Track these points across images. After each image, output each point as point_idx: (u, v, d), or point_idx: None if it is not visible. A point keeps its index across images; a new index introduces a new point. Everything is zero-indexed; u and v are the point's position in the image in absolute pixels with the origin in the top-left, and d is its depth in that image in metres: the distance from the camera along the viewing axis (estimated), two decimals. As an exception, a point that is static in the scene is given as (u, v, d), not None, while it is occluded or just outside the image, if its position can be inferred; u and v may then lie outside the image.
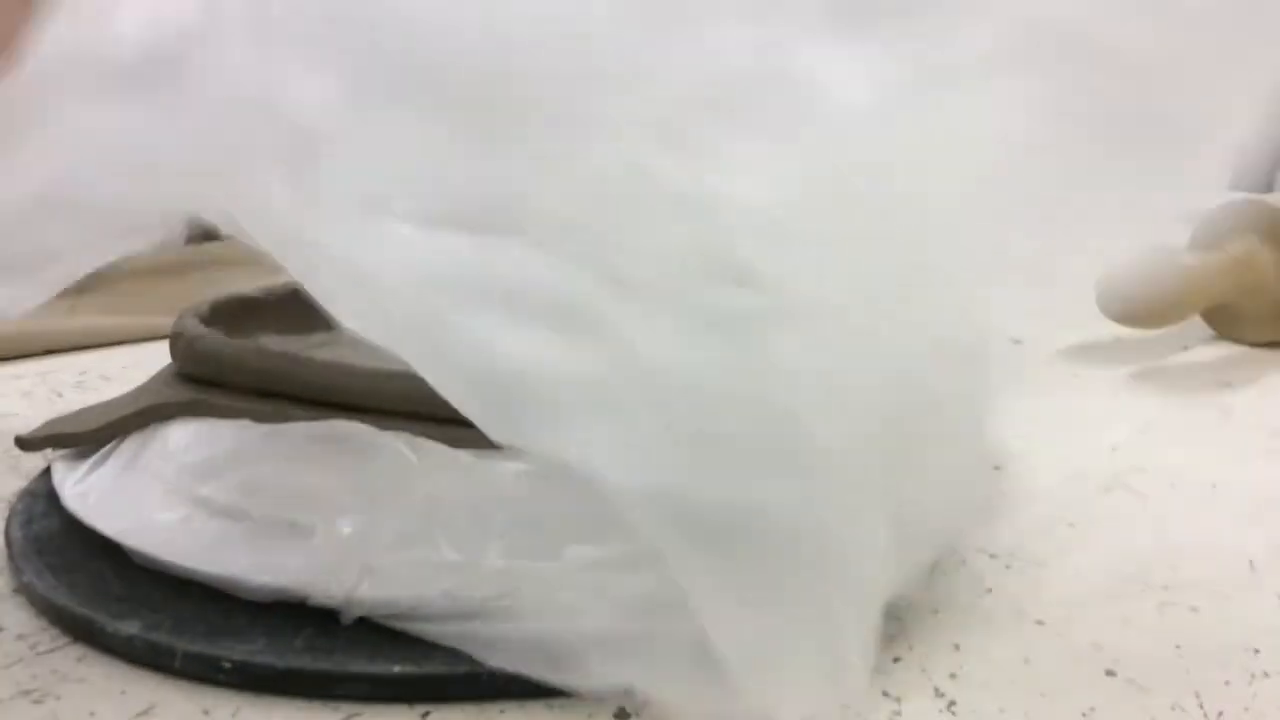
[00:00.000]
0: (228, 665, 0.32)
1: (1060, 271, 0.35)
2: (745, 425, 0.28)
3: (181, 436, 0.37)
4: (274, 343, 0.44)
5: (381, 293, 0.28)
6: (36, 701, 0.32)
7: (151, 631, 0.33)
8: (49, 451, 0.41)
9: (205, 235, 0.76)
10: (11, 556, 0.38)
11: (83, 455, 0.39)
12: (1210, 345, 0.68)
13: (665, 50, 0.29)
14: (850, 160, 0.29)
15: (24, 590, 0.36)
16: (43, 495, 0.40)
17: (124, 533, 0.36)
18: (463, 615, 0.32)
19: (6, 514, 0.40)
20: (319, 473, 0.34)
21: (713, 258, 0.28)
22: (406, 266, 0.28)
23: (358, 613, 0.33)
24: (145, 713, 0.31)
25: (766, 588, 0.28)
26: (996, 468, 0.49)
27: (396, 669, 0.32)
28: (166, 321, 0.41)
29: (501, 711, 0.32)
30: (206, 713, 0.31)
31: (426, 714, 0.31)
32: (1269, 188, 1.89)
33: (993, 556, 0.41)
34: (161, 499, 0.36)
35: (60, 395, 0.57)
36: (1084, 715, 0.32)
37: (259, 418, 0.36)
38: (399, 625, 0.33)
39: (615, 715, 0.31)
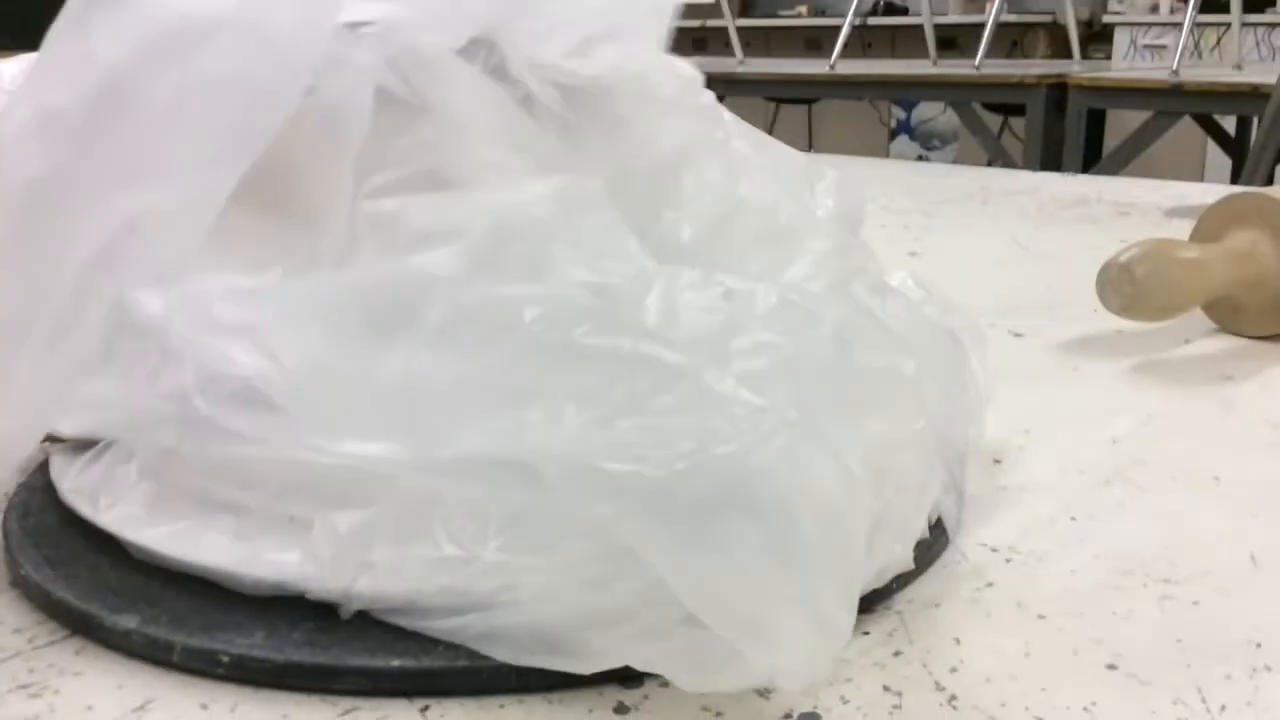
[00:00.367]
0: (226, 659, 0.32)
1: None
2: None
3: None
4: None
5: None
6: (34, 695, 0.31)
7: (149, 625, 0.33)
8: (47, 445, 0.41)
9: None
10: (9, 550, 0.37)
11: (80, 449, 0.39)
12: (1211, 338, 0.68)
13: None
14: None
15: (21, 584, 0.36)
16: (40, 489, 0.40)
17: (122, 526, 0.36)
18: (461, 609, 0.32)
19: (4, 507, 0.40)
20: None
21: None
22: None
23: (356, 607, 0.33)
24: (143, 707, 0.31)
25: (744, 559, 0.29)
26: (997, 461, 0.49)
27: (395, 663, 0.32)
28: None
29: (501, 705, 0.31)
30: (204, 707, 0.31)
31: (426, 708, 0.31)
32: (1270, 180, 1.89)
33: (994, 550, 0.41)
34: (160, 492, 0.36)
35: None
36: (1085, 709, 0.32)
37: None
38: (398, 619, 0.33)
39: (615, 709, 0.31)
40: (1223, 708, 0.32)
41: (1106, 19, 4.80)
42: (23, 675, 0.32)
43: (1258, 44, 4.29)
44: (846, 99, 4.05)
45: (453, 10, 0.37)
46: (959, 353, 0.45)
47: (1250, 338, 0.68)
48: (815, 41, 5.14)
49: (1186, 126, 3.13)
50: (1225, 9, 3.08)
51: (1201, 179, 3.94)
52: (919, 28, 3.66)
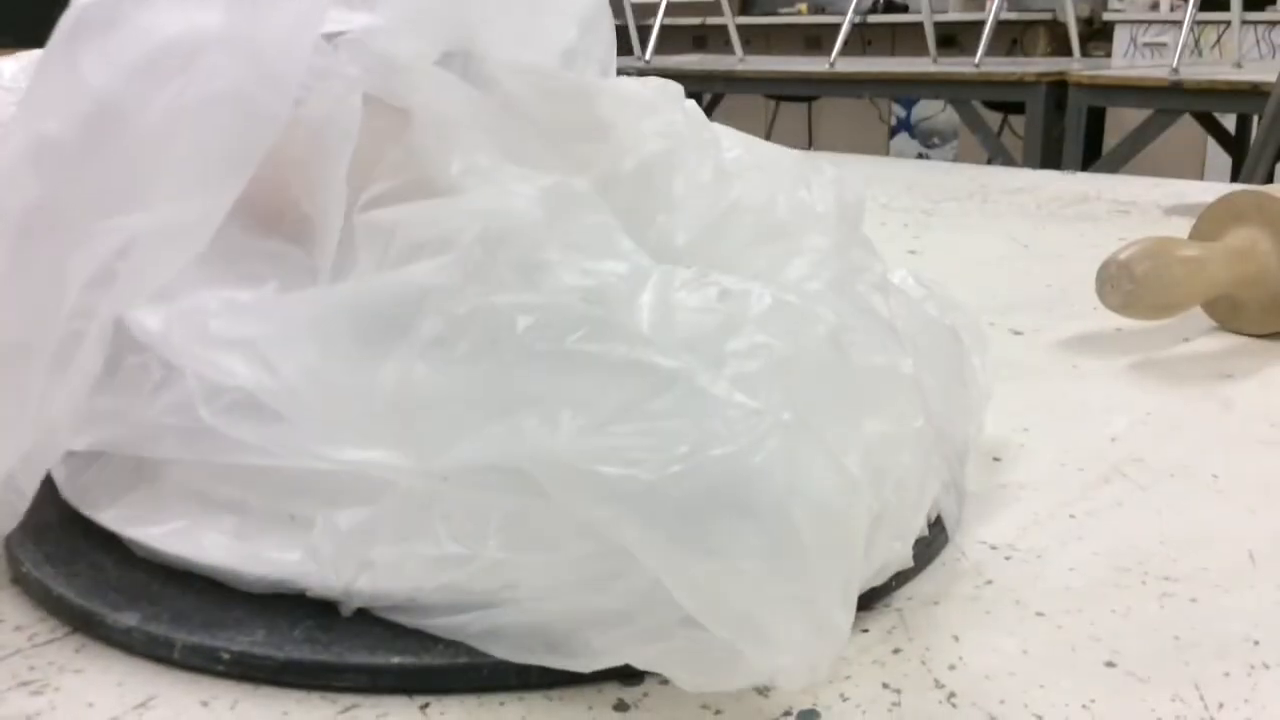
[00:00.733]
0: (226, 656, 0.32)
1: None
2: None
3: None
4: None
5: None
6: (35, 692, 0.32)
7: (150, 623, 0.33)
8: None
9: None
10: (10, 547, 0.38)
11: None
12: (1211, 336, 0.68)
13: None
14: None
15: (22, 581, 0.36)
16: (41, 486, 0.40)
17: (123, 524, 0.36)
18: (462, 607, 0.32)
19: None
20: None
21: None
22: None
23: (357, 604, 0.33)
24: (144, 704, 0.31)
25: (741, 561, 0.29)
26: (996, 459, 0.49)
27: (396, 660, 0.32)
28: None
29: (501, 703, 0.32)
30: (205, 704, 0.31)
31: (426, 705, 0.31)
32: (1270, 179, 1.89)
33: (993, 548, 0.41)
34: (161, 490, 0.36)
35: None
36: (1084, 706, 0.32)
37: None
38: (398, 617, 0.33)
39: (614, 707, 0.32)
40: (1220, 705, 0.32)
41: (1106, 17, 4.80)
42: (24, 672, 0.32)
43: (1258, 42, 4.29)
44: (846, 97, 4.05)
45: (426, 19, 0.37)
46: (959, 350, 0.45)
47: (1249, 336, 0.68)
48: (815, 39, 5.14)
49: (1186, 124, 3.13)
50: (1225, 7, 3.08)
51: (1201, 177, 3.94)
52: (919, 25, 3.66)
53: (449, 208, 0.34)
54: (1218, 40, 4.23)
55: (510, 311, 0.31)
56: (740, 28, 3.87)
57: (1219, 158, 3.96)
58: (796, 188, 0.41)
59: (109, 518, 0.36)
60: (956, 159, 4.96)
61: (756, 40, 5.26)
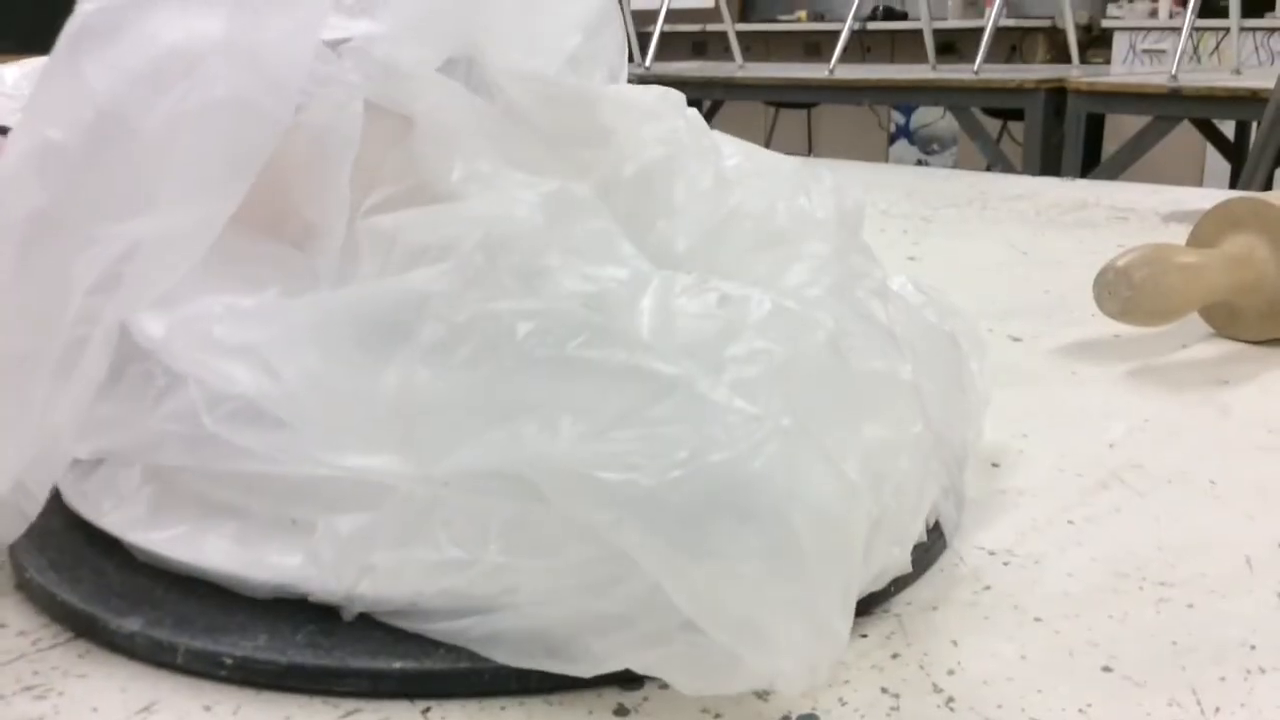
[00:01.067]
0: (229, 661, 0.32)
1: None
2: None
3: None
4: None
5: None
6: (39, 697, 0.32)
7: (153, 628, 0.33)
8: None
9: None
10: (13, 553, 0.38)
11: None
12: (1208, 343, 0.68)
13: None
14: None
15: (26, 587, 0.37)
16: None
17: (126, 529, 0.36)
18: (462, 612, 0.32)
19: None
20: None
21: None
22: None
23: (358, 609, 0.33)
24: (147, 709, 0.31)
25: (740, 565, 0.29)
26: (995, 464, 0.49)
27: (397, 665, 0.32)
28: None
29: (502, 708, 0.32)
30: (208, 709, 0.31)
31: (427, 710, 0.32)
32: (1268, 185, 1.89)
33: (991, 553, 0.41)
34: (163, 495, 0.36)
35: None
36: (1081, 711, 0.32)
37: None
38: (399, 622, 0.33)
39: (615, 712, 0.32)
40: (1217, 709, 0.32)
41: (1105, 24, 4.81)
42: (27, 677, 0.33)
43: (1256, 48, 4.29)
44: (846, 104, 4.05)
45: (428, 26, 0.37)
46: (958, 356, 0.45)
47: (1247, 342, 0.68)
48: (814, 46, 5.15)
49: (1185, 131, 3.14)
50: (1224, 13, 3.09)
51: (1200, 184, 3.95)
52: (918, 32, 3.67)
53: (451, 214, 0.34)
54: (1216, 47, 4.24)
55: (511, 318, 0.32)
56: (740, 34, 3.87)
57: (1218, 164, 3.96)
58: (796, 195, 0.42)
59: (111, 523, 0.36)
60: (956, 165, 4.96)
61: (756, 47, 5.26)
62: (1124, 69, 4.40)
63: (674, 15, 3.77)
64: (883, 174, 1.57)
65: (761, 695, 0.32)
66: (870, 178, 1.39)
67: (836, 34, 3.37)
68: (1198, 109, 2.82)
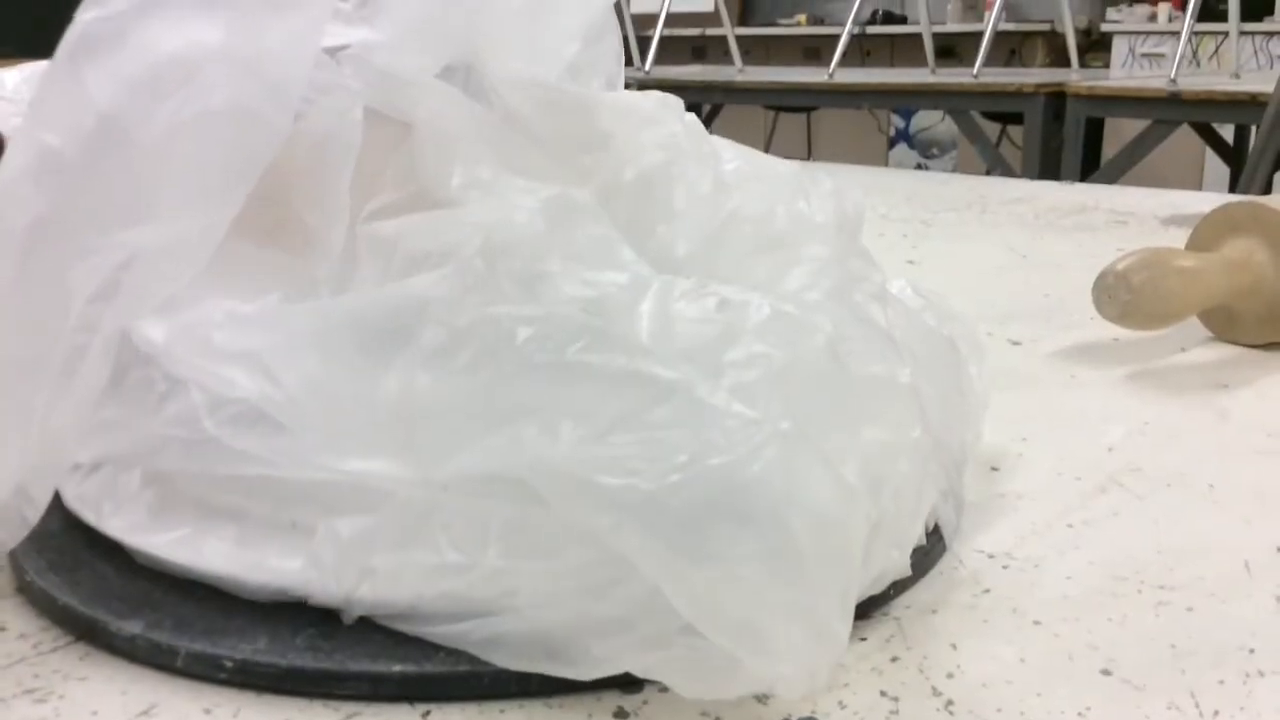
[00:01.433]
0: (229, 664, 0.32)
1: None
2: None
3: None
4: None
5: None
6: (39, 700, 0.32)
7: (153, 631, 0.33)
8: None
9: None
10: (14, 556, 0.38)
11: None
12: (1207, 346, 0.69)
13: None
14: None
15: (26, 590, 0.37)
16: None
17: (126, 532, 0.36)
18: (462, 615, 0.32)
19: (8, 514, 0.40)
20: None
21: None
22: None
23: (358, 613, 0.33)
24: (147, 712, 0.31)
25: (739, 569, 0.29)
26: (994, 468, 0.49)
27: (397, 668, 0.32)
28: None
29: (502, 711, 0.32)
30: (208, 712, 0.31)
31: (427, 713, 0.32)
32: (1268, 189, 1.89)
33: (990, 557, 0.41)
34: (163, 499, 0.36)
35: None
36: (1080, 715, 0.32)
37: None
38: (399, 625, 0.33)
39: (614, 715, 0.32)
40: (1216, 713, 0.32)
41: (1105, 27, 4.82)
42: (28, 680, 0.33)
43: (1255, 52, 4.30)
44: (845, 107, 4.06)
45: (426, 33, 0.38)
46: (957, 360, 0.45)
47: (1246, 346, 0.68)
48: (814, 50, 5.16)
49: (1185, 135, 3.14)
50: (1223, 17, 3.09)
51: (1200, 187, 3.95)
52: (917, 36, 3.67)
53: (451, 219, 0.35)
54: (1216, 50, 4.24)
55: (510, 323, 0.32)
56: (739, 39, 3.88)
57: (1217, 168, 3.97)
58: (795, 199, 0.42)
59: (112, 526, 0.36)
60: (955, 169, 4.97)
61: (756, 51, 5.27)
62: (1123, 73, 4.40)
63: (674, 20, 3.78)
64: (882, 178, 1.57)
65: (761, 699, 0.32)
66: (870, 181, 1.39)
67: (836, 38, 3.38)
68: (1197, 113, 2.83)
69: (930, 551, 0.40)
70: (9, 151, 0.34)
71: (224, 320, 0.34)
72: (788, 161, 0.45)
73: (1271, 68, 4.21)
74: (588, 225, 0.35)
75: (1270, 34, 4.35)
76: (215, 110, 0.34)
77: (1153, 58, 4.53)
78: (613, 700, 0.32)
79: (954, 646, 0.35)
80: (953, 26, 4.91)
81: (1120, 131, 3.49)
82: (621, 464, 0.29)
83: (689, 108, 0.44)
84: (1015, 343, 0.69)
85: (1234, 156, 3.59)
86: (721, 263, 0.39)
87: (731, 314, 0.33)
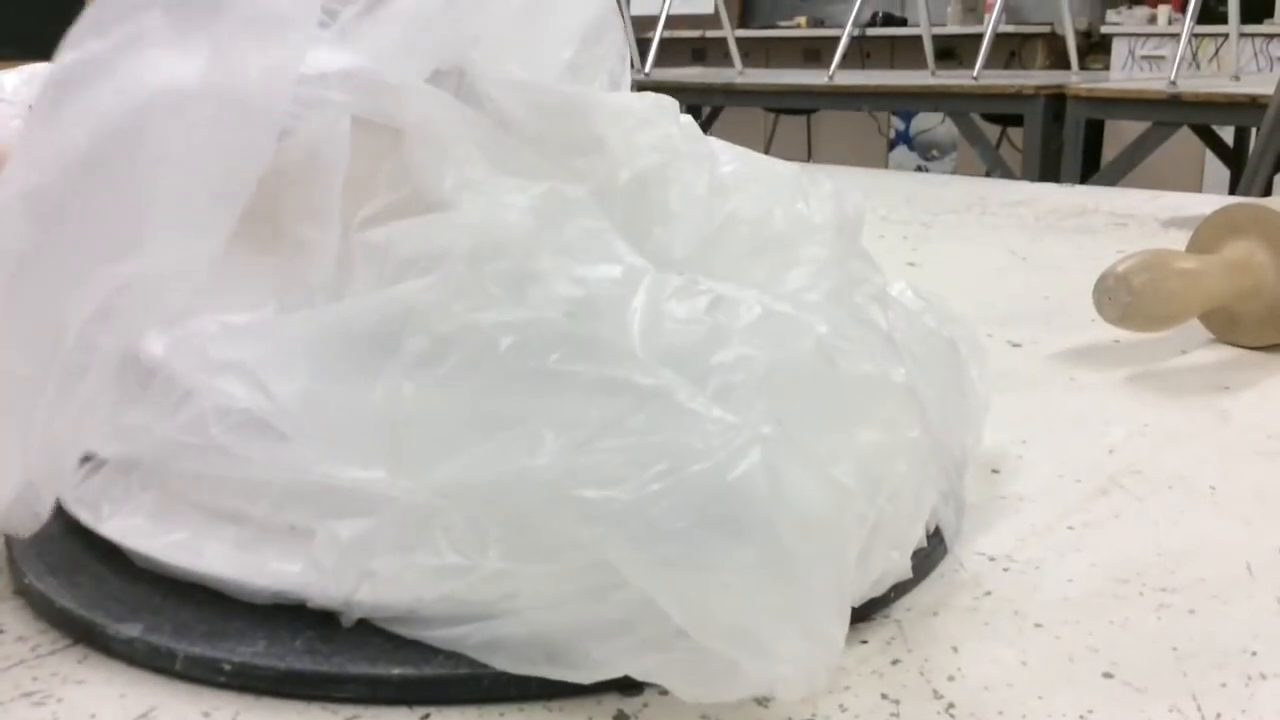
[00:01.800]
0: (228, 667, 0.32)
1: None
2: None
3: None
4: None
5: None
6: (38, 704, 0.32)
7: (152, 634, 0.33)
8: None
9: None
10: (12, 559, 0.38)
11: (83, 458, 0.39)
12: (1208, 348, 0.68)
13: None
14: None
15: (25, 592, 0.37)
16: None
17: (125, 535, 0.36)
18: (462, 618, 0.32)
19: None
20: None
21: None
22: None
23: (357, 615, 0.33)
24: (145, 715, 0.31)
25: (728, 575, 0.29)
26: (995, 470, 0.49)
27: (396, 671, 0.32)
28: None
29: (501, 714, 0.32)
30: (206, 715, 0.31)
31: (426, 716, 0.32)
32: (1268, 191, 1.89)
33: (991, 559, 0.41)
34: (162, 502, 0.36)
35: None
36: (1082, 717, 0.32)
37: None
38: (398, 628, 0.33)
39: (614, 718, 0.32)
40: (1218, 715, 0.32)
41: (1105, 29, 4.82)
42: (26, 683, 0.33)
43: (1255, 55, 4.30)
44: (845, 110, 4.06)
45: (411, 50, 0.38)
46: (957, 362, 0.45)
47: (1246, 348, 0.68)
48: (814, 52, 5.16)
49: (1185, 137, 3.14)
50: (1223, 20, 3.09)
51: (1200, 189, 3.95)
52: (917, 38, 3.67)
53: (442, 223, 0.35)
54: (1216, 53, 4.24)
55: (493, 330, 0.32)
56: (739, 41, 3.88)
57: (1217, 170, 3.97)
58: (794, 200, 0.42)
59: (111, 529, 0.36)
60: (955, 171, 4.97)
61: (756, 53, 5.28)
62: (1123, 75, 4.40)
63: (674, 21, 3.78)
64: (882, 180, 1.57)
65: (761, 702, 0.32)
66: (870, 184, 1.39)
67: (836, 40, 3.38)
68: (1197, 115, 2.83)
69: (931, 554, 0.40)
70: (0, 185, 0.35)
71: (218, 332, 0.35)
72: (786, 163, 0.45)
73: (1271, 70, 4.22)
74: (580, 219, 0.35)
75: (1270, 36, 4.35)
76: (198, 146, 0.34)
77: (1153, 60, 4.53)
78: (612, 704, 0.32)
79: (955, 649, 0.35)
80: (953, 29, 4.91)
81: (1120, 134, 3.49)
82: (602, 475, 0.29)
83: (689, 110, 0.44)
84: (1016, 345, 0.69)
85: (1234, 159, 3.59)
86: (719, 264, 0.39)
87: (721, 314, 0.33)
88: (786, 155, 0.47)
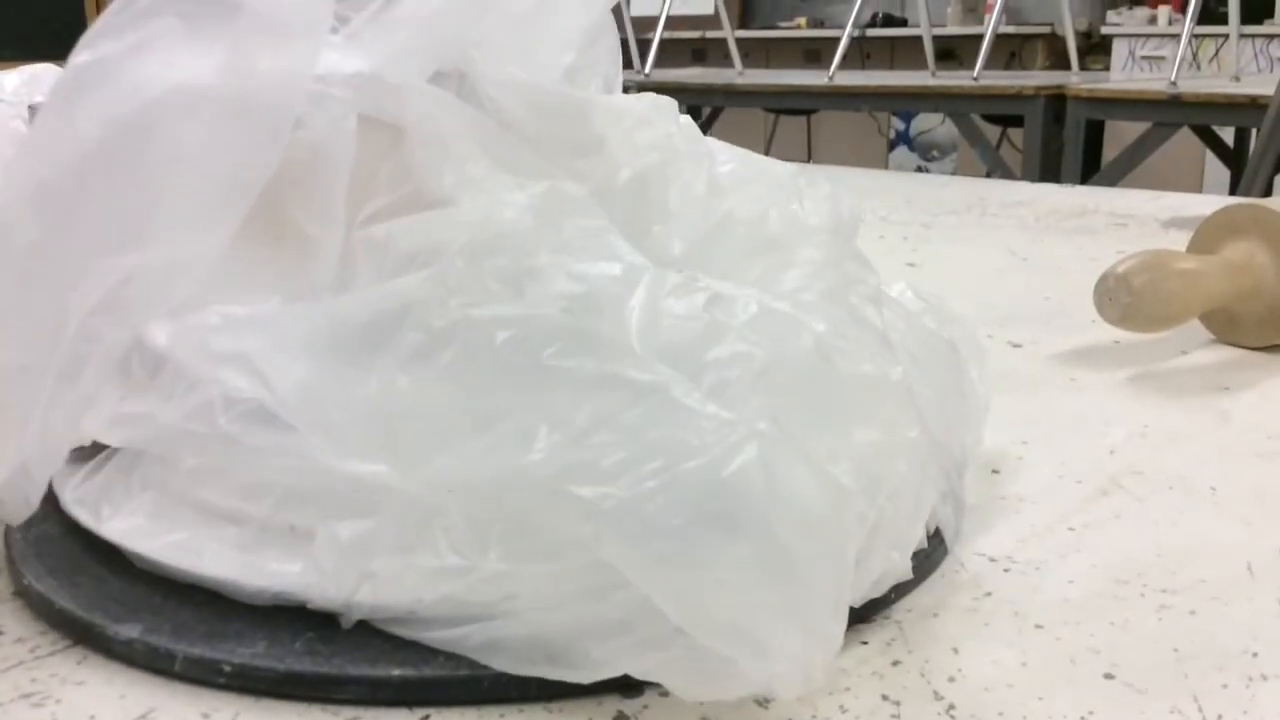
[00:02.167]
0: (228, 669, 0.32)
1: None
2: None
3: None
4: None
5: None
6: (37, 705, 0.32)
7: (152, 635, 0.33)
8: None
9: None
10: (12, 560, 0.38)
11: (83, 459, 0.39)
12: (1208, 349, 0.68)
13: None
14: None
15: (24, 593, 0.37)
16: (43, 499, 0.40)
17: (125, 536, 0.36)
18: (462, 619, 0.32)
19: (7, 518, 0.40)
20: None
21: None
22: None
23: (357, 616, 0.33)
24: (145, 716, 0.31)
25: (724, 572, 0.29)
26: (995, 471, 0.49)
27: (396, 672, 0.32)
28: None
29: (501, 715, 0.32)
30: (206, 716, 0.31)
31: (426, 717, 0.32)
32: (1268, 191, 1.89)
33: (992, 560, 0.41)
34: (162, 502, 0.36)
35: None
36: (1082, 718, 0.32)
37: None
38: (398, 629, 0.33)
39: (614, 719, 0.32)
40: (1219, 716, 0.32)
41: (1105, 30, 4.82)
42: (25, 684, 0.33)
43: (1256, 55, 4.30)
44: (845, 110, 4.06)
45: (417, 53, 0.38)
46: (957, 363, 0.45)
47: (1247, 348, 0.68)
48: (814, 53, 5.16)
49: (1185, 137, 3.14)
50: (1223, 20, 3.09)
51: (1200, 190, 3.95)
52: (917, 39, 3.67)
53: (442, 219, 0.35)
54: (1216, 53, 4.24)
55: (489, 325, 0.32)
56: (739, 41, 3.88)
57: (1217, 171, 3.97)
58: (789, 201, 0.42)
59: (110, 530, 0.36)
60: (955, 172, 4.97)
61: (756, 54, 5.28)
62: (1123, 75, 4.40)
63: (674, 22, 3.78)
64: (882, 180, 1.57)
65: (761, 702, 0.32)
66: (870, 184, 1.39)
67: (836, 41, 3.38)
68: (1197, 115, 2.83)
69: (931, 554, 0.40)
70: (6, 179, 0.35)
71: (219, 323, 0.34)
72: (784, 164, 0.45)
73: (1272, 70, 4.22)
74: (578, 218, 0.35)
75: (1270, 37, 4.35)
76: (210, 144, 0.34)
77: (1153, 60, 4.53)
78: (613, 704, 0.32)
79: (955, 650, 0.35)
80: (953, 29, 4.91)
81: (1120, 134, 3.49)
82: (597, 472, 0.29)
83: (690, 110, 0.45)
84: (1016, 345, 0.69)
85: (1234, 159, 3.59)
86: (716, 263, 0.39)
87: (719, 311, 0.33)
88: (786, 156, 0.47)
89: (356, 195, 0.36)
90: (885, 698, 0.33)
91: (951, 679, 0.34)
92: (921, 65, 3.45)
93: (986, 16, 3.47)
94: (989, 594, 0.39)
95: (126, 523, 0.36)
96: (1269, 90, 2.19)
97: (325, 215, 0.36)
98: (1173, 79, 2.74)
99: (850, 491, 0.32)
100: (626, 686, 0.32)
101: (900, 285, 0.48)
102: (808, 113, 5.15)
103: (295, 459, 0.33)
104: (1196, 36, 3.74)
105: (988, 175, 3.23)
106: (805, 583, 0.29)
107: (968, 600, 0.38)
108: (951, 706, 0.32)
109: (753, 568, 0.29)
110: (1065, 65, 3.66)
